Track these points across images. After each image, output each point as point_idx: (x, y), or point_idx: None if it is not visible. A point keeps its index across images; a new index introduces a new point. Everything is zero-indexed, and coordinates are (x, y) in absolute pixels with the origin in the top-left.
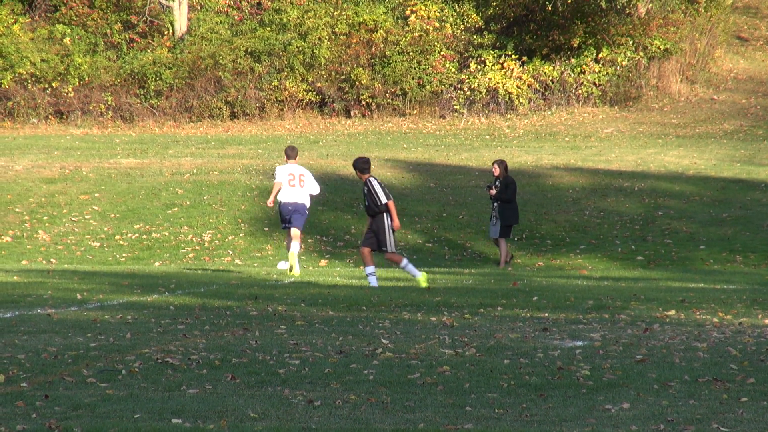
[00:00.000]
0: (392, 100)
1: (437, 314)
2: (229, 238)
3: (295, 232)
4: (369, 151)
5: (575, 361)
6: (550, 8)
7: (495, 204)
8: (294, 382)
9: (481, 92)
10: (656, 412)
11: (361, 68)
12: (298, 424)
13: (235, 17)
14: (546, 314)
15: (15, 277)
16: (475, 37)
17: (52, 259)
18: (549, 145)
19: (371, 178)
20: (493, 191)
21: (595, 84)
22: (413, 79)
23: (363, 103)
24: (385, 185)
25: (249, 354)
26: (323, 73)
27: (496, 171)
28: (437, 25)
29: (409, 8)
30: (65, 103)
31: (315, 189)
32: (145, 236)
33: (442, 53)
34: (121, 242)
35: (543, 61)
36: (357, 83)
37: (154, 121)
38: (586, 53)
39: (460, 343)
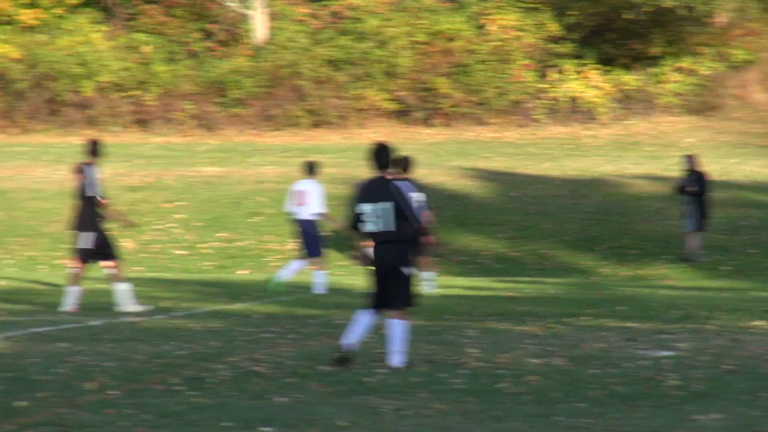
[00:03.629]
0: (472, 109)
1: (522, 324)
2: None
3: None
4: (449, 160)
5: (663, 371)
6: (629, 17)
7: (690, 198)
8: (382, 390)
9: (562, 101)
10: (746, 423)
11: (440, 77)
12: None
13: (314, 26)
14: (631, 324)
15: (102, 286)
16: (554, 46)
17: (136, 268)
18: (630, 155)
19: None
20: (691, 189)
21: (676, 93)
22: (493, 88)
23: (443, 112)
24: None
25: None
26: (403, 81)
27: (692, 165)
28: (516, 34)
29: (488, 17)
30: (146, 112)
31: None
32: (228, 245)
33: (521, 62)
34: (205, 251)
35: (623, 70)
36: (437, 92)
37: (234, 129)
38: (666, 62)
39: (547, 352)
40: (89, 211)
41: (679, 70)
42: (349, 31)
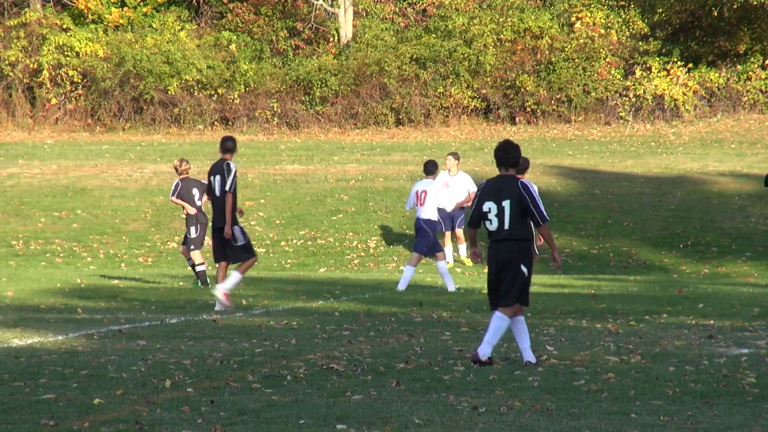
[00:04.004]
0: (557, 106)
1: (602, 321)
2: (394, 244)
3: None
4: (534, 158)
5: (741, 368)
6: (716, 14)
7: None
8: (459, 388)
9: (647, 99)
10: None
11: (526, 75)
12: (463, 430)
13: (401, 24)
14: (711, 321)
15: (181, 283)
16: (640, 43)
17: (217, 265)
18: (714, 152)
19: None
20: None
21: (761, 91)
22: (578, 85)
23: (528, 109)
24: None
25: (414, 360)
26: (488, 79)
27: None
28: (603, 31)
29: (574, 15)
30: (231, 110)
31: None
32: (310, 242)
33: (607, 60)
34: (287, 248)
35: (709, 68)
36: (522, 90)
37: (319, 127)
38: (752, 60)
39: (625, 350)
40: (231, 207)
41: (765, 67)
42: (436, 29)
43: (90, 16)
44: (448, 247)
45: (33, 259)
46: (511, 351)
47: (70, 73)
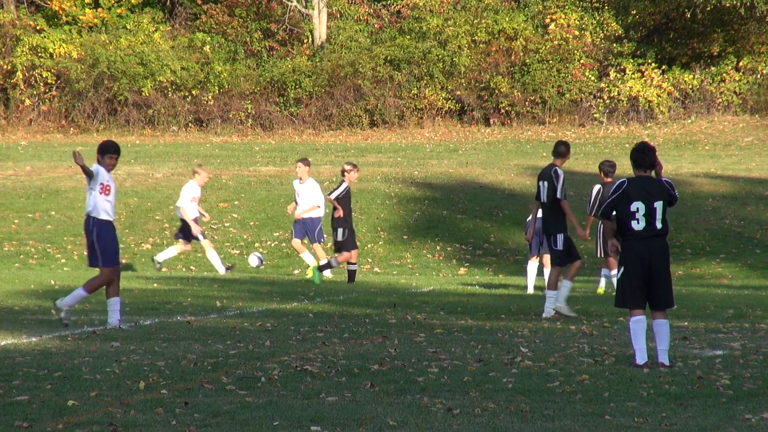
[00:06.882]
0: (531, 108)
1: (576, 323)
2: (369, 246)
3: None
4: (508, 160)
5: (715, 370)
6: (689, 16)
7: None
8: (433, 390)
9: (621, 101)
10: None
11: (500, 76)
12: None
13: (375, 25)
14: (686, 323)
15: (155, 285)
16: (614, 45)
17: (191, 267)
18: (689, 154)
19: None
20: None
21: (735, 92)
22: (553, 87)
23: (502, 111)
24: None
25: (388, 362)
26: (462, 81)
27: None
28: (577, 33)
29: (548, 17)
30: (205, 111)
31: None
32: (284, 244)
33: (581, 61)
34: (261, 250)
35: (683, 70)
36: (496, 91)
37: (293, 129)
38: (726, 62)
39: (599, 351)
40: (559, 214)
41: (739, 69)
42: (410, 31)
43: (64, 17)
44: (306, 254)
45: (7, 261)
46: (485, 352)
47: (44, 74)
